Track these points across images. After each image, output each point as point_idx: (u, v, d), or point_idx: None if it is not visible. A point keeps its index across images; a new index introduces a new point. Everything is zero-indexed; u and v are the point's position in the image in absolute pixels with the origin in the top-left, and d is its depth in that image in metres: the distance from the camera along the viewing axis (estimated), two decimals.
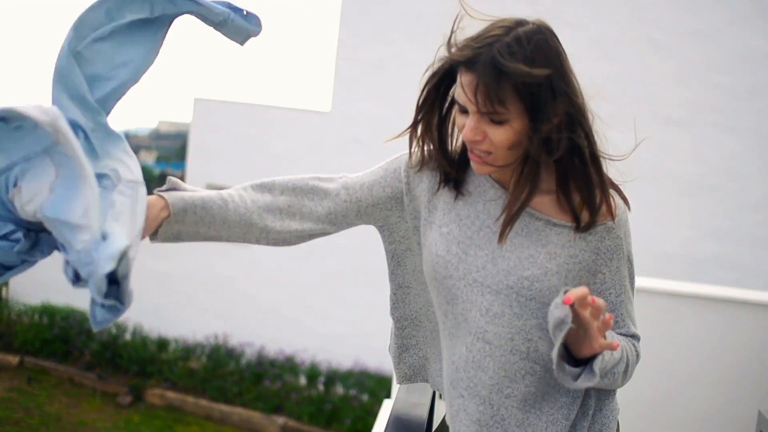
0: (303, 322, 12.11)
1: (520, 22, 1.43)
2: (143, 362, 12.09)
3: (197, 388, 11.64)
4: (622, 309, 1.57)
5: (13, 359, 12.55)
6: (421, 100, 1.54)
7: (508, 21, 1.43)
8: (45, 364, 12.49)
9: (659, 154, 10.16)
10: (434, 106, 1.54)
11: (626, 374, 1.56)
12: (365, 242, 11.73)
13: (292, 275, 12.27)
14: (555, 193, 1.50)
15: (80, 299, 13.35)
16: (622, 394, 1.66)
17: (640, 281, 3.38)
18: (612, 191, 1.52)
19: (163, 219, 1.39)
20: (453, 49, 1.44)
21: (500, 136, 1.39)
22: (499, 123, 1.38)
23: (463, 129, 1.43)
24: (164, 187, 1.44)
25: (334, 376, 11.24)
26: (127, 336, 12.63)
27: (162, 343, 12.29)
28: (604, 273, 1.54)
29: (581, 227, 1.49)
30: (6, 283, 14.70)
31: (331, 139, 12.03)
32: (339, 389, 11.20)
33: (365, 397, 10.94)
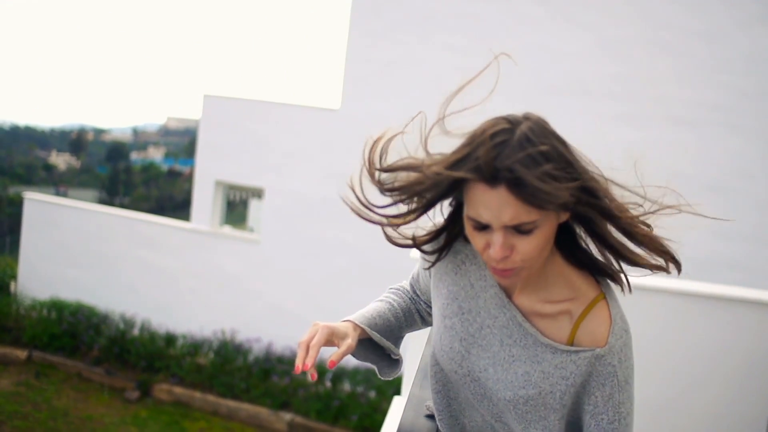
0: (311, 320, 12.13)
1: (514, 121, 1.28)
2: (151, 358, 12.13)
3: (205, 384, 11.67)
4: None
5: (22, 354, 12.61)
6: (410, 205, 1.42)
7: (501, 123, 1.28)
8: (53, 359, 12.54)
9: (665, 154, 10.16)
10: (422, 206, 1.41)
11: None
12: (373, 241, 11.76)
13: (300, 273, 12.30)
14: (559, 304, 1.44)
15: (89, 295, 13.41)
16: None
17: (648, 280, 3.39)
18: (610, 309, 1.43)
19: (359, 335, 1.59)
20: (455, 167, 1.28)
21: (530, 245, 1.30)
22: (528, 232, 1.28)
23: (484, 248, 1.33)
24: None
25: (341, 373, 11.25)
26: (135, 331, 12.68)
27: (170, 339, 12.33)
28: (597, 396, 1.43)
29: (570, 350, 1.42)
30: (15, 278, 14.77)
31: (340, 137, 12.05)
32: (346, 386, 11.22)
33: (372, 394, 10.96)
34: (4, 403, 10.98)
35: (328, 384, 11.29)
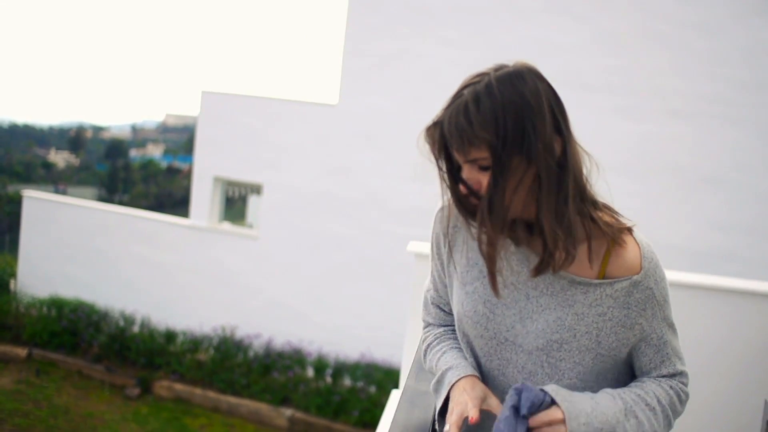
0: (310, 315, 12.15)
1: (498, 67, 1.40)
2: (151, 354, 12.13)
3: (205, 380, 11.68)
4: (667, 348, 1.56)
5: (22, 352, 12.61)
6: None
7: (487, 69, 1.40)
8: (53, 356, 12.55)
9: (664, 147, 10.16)
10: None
11: (656, 421, 1.51)
12: (372, 235, 11.79)
13: (299, 268, 12.30)
14: (582, 243, 1.46)
15: (88, 292, 13.41)
16: None
17: None
18: (635, 237, 1.49)
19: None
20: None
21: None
22: (486, 168, 1.37)
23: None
24: (454, 378, 1.55)
25: (341, 368, 11.26)
26: (135, 328, 12.68)
27: (170, 336, 12.33)
28: (641, 323, 1.51)
29: (605, 282, 1.46)
30: (14, 276, 14.77)
31: (338, 132, 12.05)
32: (346, 381, 11.23)
33: (373, 389, 10.96)
34: (5, 401, 11.00)
35: (329, 379, 11.30)
